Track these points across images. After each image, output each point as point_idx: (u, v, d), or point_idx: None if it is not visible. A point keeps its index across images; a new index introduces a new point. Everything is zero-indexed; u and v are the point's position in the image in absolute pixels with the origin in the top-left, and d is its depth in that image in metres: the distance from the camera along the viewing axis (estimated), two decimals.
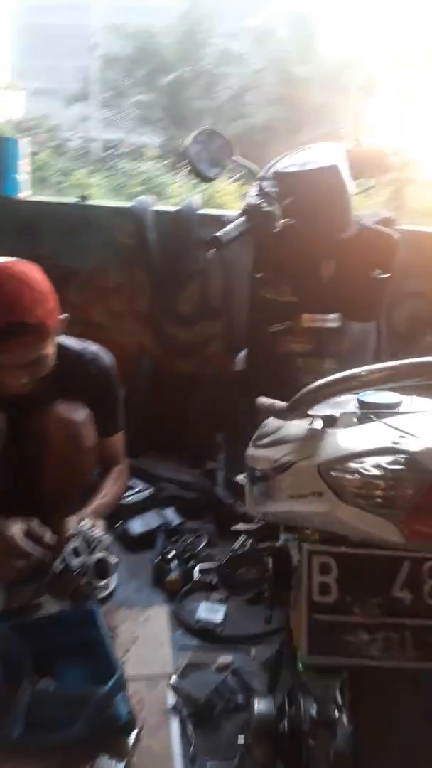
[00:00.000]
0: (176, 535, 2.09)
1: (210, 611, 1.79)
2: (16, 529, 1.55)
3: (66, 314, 1.60)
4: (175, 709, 1.48)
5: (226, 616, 1.77)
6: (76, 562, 1.49)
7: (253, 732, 1.01)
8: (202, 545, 2.01)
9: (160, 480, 2.33)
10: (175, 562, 1.95)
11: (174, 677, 1.54)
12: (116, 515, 2.15)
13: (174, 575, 1.89)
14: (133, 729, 1.35)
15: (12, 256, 2.74)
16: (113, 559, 1.57)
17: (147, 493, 2.23)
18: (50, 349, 1.55)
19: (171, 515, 2.19)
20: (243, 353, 2.35)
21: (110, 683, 1.36)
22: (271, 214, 1.61)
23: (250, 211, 1.66)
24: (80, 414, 1.71)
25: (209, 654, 1.66)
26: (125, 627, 1.72)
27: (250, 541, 1.65)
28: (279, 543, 1.33)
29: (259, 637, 1.72)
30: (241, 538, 1.65)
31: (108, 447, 1.83)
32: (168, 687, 1.53)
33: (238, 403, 2.51)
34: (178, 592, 1.86)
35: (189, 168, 1.81)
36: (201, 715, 1.46)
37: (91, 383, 1.76)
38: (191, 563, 1.96)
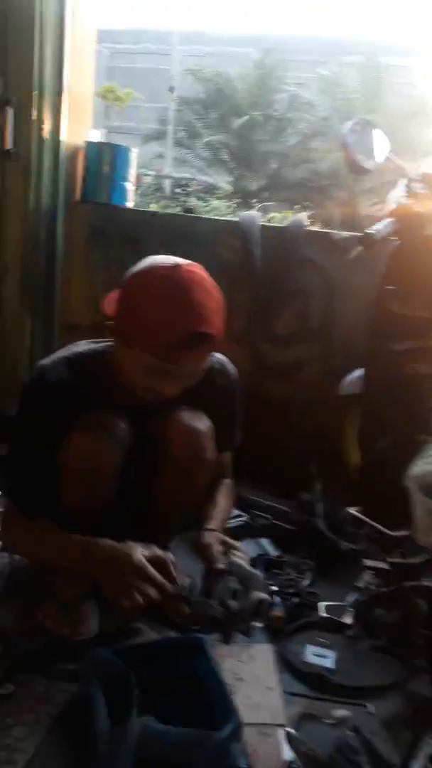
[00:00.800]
0: (275, 568, 1.91)
1: (319, 656, 1.60)
2: (141, 554, 1.38)
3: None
4: (292, 766, 1.28)
5: (337, 662, 1.59)
6: (235, 605, 1.31)
7: None
8: (306, 582, 1.83)
9: (254, 508, 2.17)
10: (278, 597, 1.77)
11: (290, 729, 1.35)
12: None
13: (278, 611, 1.71)
14: None
15: (115, 266, 2.73)
16: (267, 597, 1.39)
17: (242, 520, 2.07)
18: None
19: (268, 546, 2.02)
20: (352, 376, 2.20)
21: (228, 728, 1.18)
22: (422, 216, 1.48)
23: (400, 212, 1.53)
24: (204, 423, 1.58)
25: (320, 704, 1.47)
26: (227, 665, 1.54)
27: (375, 580, 1.47)
28: None
29: (380, 689, 1.52)
30: (366, 576, 1.46)
31: (219, 463, 1.68)
32: (283, 739, 1.34)
33: (339, 430, 2.36)
34: (281, 630, 1.68)
35: (343, 159, 1.69)
36: None
37: (216, 393, 1.63)
38: (295, 600, 1.77)
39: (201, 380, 1.55)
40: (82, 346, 1.57)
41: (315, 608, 1.81)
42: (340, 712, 1.44)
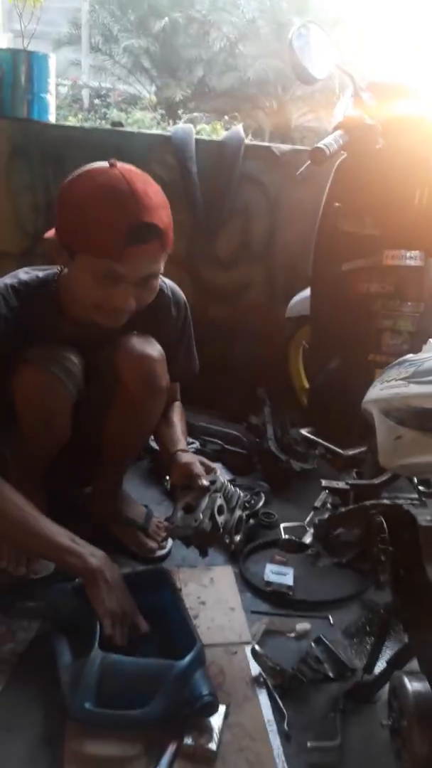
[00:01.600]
0: None
1: (278, 573, 1.65)
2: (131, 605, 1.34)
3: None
4: (259, 680, 1.33)
5: (295, 579, 1.64)
6: (222, 519, 1.31)
7: (413, 718, 0.86)
8: (261, 503, 1.85)
9: (205, 434, 2.16)
10: None
11: (256, 645, 1.39)
12: (161, 468, 2.00)
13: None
14: (215, 710, 1.20)
15: (38, 186, 2.55)
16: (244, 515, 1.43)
17: (193, 447, 2.07)
18: (161, 269, 1.34)
19: (221, 471, 2.03)
20: (298, 298, 2.18)
21: (189, 658, 1.20)
22: (373, 129, 1.41)
23: (349, 124, 1.45)
24: (155, 349, 1.52)
25: (283, 620, 1.52)
26: (189, 589, 1.57)
27: (330, 498, 1.50)
28: (399, 502, 1.18)
29: (337, 602, 1.59)
30: (323, 496, 1.49)
31: (170, 390, 1.64)
32: (249, 656, 1.38)
33: (286, 353, 2.35)
34: (240, 552, 1.72)
35: (291, 65, 1.58)
36: (289, 687, 1.32)
37: (169, 322, 1.57)
38: (251, 521, 1.81)
39: (152, 308, 1.49)
40: (25, 273, 1.47)
41: (271, 528, 1.86)
42: (302, 625, 1.50)
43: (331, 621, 1.54)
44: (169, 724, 1.17)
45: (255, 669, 1.36)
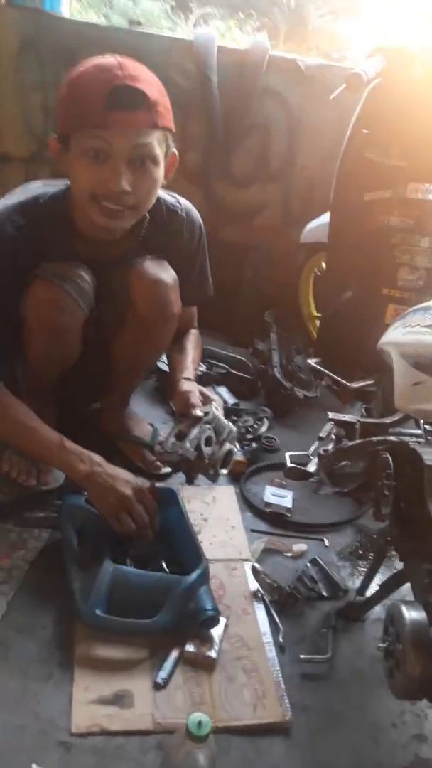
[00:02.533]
0: (233, 416, 1.97)
1: (278, 496, 1.71)
2: (126, 484, 1.36)
3: (176, 151, 1.35)
4: (257, 595, 1.41)
5: (293, 502, 1.70)
6: (208, 450, 1.33)
7: (408, 644, 0.92)
8: (264, 428, 1.89)
9: (211, 357, 2.17)
10: (237, 443, 1.84)
11: (255, 563, 1.46)
12: (167, 389, 2.02)
13: (239, 456, 1.78)
14: (217, 623, 1.27)
15: (49, 85, 2.42)
16: (235, 449, 1.44)
17: (200, 370, 2.08)
18: (155, 150, 1.28)
19: (225, 395, 2.06)
20: (314, 224, 2.13)
21: (195, 574, 1.26)
22: (414, 56, 1.34)
23: (390, 50, 1.38)
24: (169, 274, 1.50)
25: (281, 540, 1.59)
26: (193, 506, 1.62)
27: (335, 430, 1.54)
28: (405, 439, 1.22)
29: (332, 526, 1.66)
30: (328, 427, 1.52)
31: (185, 314, 1.63)
32: (248, 572, 1.46)
33: (297, 279, 2.33)
34: (241, 473, 1.77)
35: None
36: (285, 603, 1.40)
37: (182, 242, 1.53)
38: (254, 445, 1.85)
39: (165, 229, 1.47)
40: (35, 188, 1.42)
41: (273, 452, 1.91)
42: (298, 546, 1.57)
43: (326, 543, 1.61)
44: (174, 634, 1.24)
45: (253, 585, 1.43)
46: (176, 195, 1.53)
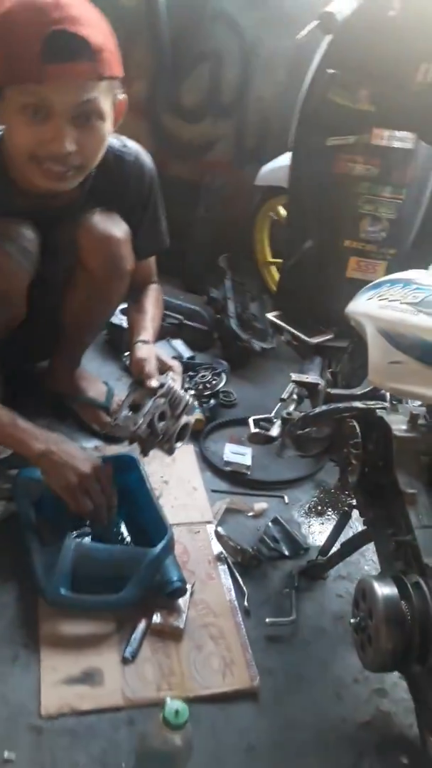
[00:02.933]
0: (189, 371, 1.91)
1: (237, 453, 1.70)
2: (90, 467, 1.28)
3: (125, 96, 1.21)
4: (221, 557, 1.41)
5: (253, 458, 1.69)
6: (161, 426, 1.25)
7: (381, 620, 0.93)
8: (222, 383, 1.85)
9: (165, 308, 2.08)
10: (195, 400, 1.80)
11: (219, 527, 1.46)
12: (119, 342, 1.94)
13: (197, 414, 1.75)
14: (184, 594, 1.27)
15: None
16: (191, 421, 1.35)
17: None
18: (105, 108, 1.13)
19: (180, 347, 2.00)
20: (272, 166, 2.03)
21: (160, 546, 1.24)
22: None
23: None
24: (120, 228, 1.40)
25: (242, 499, 1.59)
26: (153, 468, 1.58)
27: (297, 390, 1.51)
28: (371, 406, 1.20)
29: (292, 482, 1.66)
30: (291, 388, 1.50)
31: (143, 265, 1.53)
32: (211, 535, 1.45)
33: (252, 222, 2.24)
34: (200, 432, 1.74)
35: None
36: (248, 565, 1.41)
37: (132, 190, 1.41)
38: (212, 402, 1.82)
39: (113, 177, 1.35)
40: None
41: (230, 407, 1.88)
42: (259, 505, 1.57)
43: (286, 500, 1.62)
44: (140, 606, 1.23)
45: (217, 548, 1.43)
46: (123, 138, 1.39)
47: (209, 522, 1.49)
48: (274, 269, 2.32)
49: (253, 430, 1.37)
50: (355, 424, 1.19)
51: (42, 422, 1.63)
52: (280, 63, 2.13)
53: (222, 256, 2.31)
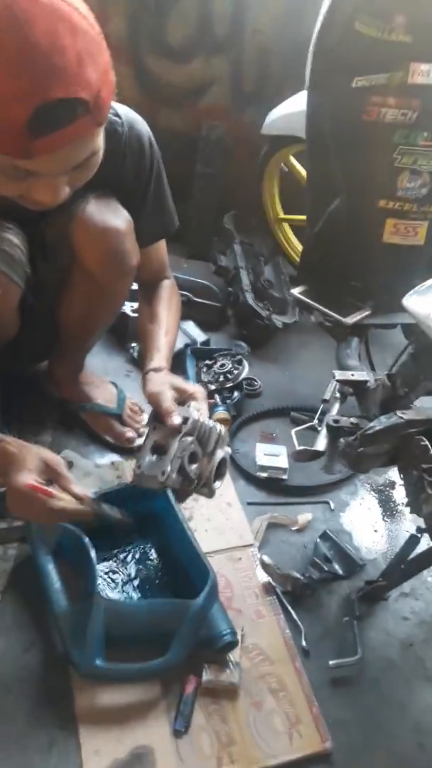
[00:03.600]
0: (206, 359, 1.70)
1: (271, 455, 1.51)
2: (27, 478, 0.97)
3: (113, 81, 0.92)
4: (268, 588, 1.24)
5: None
6: (194, 469, 1.04)
7: None
8: (245, 371, 1.64)
9: None
10: (215, 394, 1.60)
11: (264, 555, 1.28)
12: (125, 331, 1.72)
13: (221, 411, 1.55)
14: (236, 646, 1.10)
15: None
16: (229, 451, 1.10)
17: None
18: (100, 145, 0.88)
19: (194, 331, 1.77)
20: (280, 112, 1.75)
21: (204, 595, 1.06)
22: None
23: None
24: (121, 218, 1.16)
25: (283, 510, 1.41)
26: None
27: (337, 387, 1.31)
28: None
29: (336, 483, 1.48)
30: (332, 387, 1.29)
31: (151, 257, 1.30)
32: (254, 560, 1.28)
33: (259, 176, 1.98)
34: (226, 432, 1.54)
35: None
36: (302, 594, 1.24)
37: (129, 167, 1.16)
38: (236, 395, 1.61)
39: (107, 154, 1.09)
40: None
41: (256, 397, 1.69)
42: (304, 516, 1.40)
43: (332, 506, 1.44)
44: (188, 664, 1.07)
45: (262, 575, 1.26)
46: (113, 104, 1.12)
47: (250, 545, 1.32)
48: (287, 227, 2.07)
49: (298, 447, 1.17)
50: (428, 443, 1.00)
51: (47, 435, 1.46)
52: None
53: (227, 215, 2.07)
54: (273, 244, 2.09)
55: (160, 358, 1.16)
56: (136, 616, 1.07)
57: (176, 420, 1.03)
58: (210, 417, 1.15)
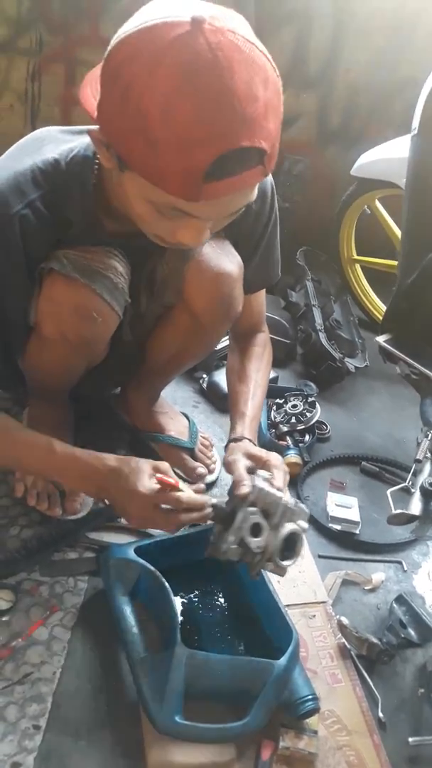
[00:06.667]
0: (276, 397, 1.65)
1: (342, 506, 1.46)
2: (150, 480, 0.99)
3: None
4: (344, 651, 1.19)
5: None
6: (257, 542, 0.97)
7: None
8: (317, 415, 1.59)
9: None
10: (287, 436, 1.56)
11: (341, 616, 1.22)
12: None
13: (293, 455, 1.50)
14: (317, 712, 1.04)
15: None
16: (304, 527, 1.03)
17: (226, 340, 1.73)
18: (255, 196, 0.84)
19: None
20: (377, 156, 1.73)
21: (287, 656, 1.01)
22: None
23: None
24: (234, 263, 1.13)
25: (356, 567, 1.36)
26: None
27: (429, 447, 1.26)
28: None
29: (408, 543, 1.43)
30: (425, 445, 1.25)
31: (252, 305, 1.27)
32: (327, 619, 1.23)
33: (338, 216, 1.95)
34: (296, 476, 1.50)
35: None
36: (378, 660, 1.19)
37: (249, 217, 1.12)
38: (308, 438, 1.57)
39: None
40: (53, 143, 0.96)
41: (324, 441, 1.64)
42: (377, 575, 1.35)
43: (405, 567, 1.39)
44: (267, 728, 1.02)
45: (337, 636, 1.21)
46: None
47: (324, 602, 1.27)
48: (359, 267, 2.03)
49: (395, 510, 1.12)
50: None
51: None
52: (377, 27, 1.81)
53: (299, 251, 2.03)
54: (340, 282, 2.06)
55: (242, 426, 1.14)
56: (217, 672, 1.02)
57: (243, 490, 0.98)
58: (282, 458, 1.12)
